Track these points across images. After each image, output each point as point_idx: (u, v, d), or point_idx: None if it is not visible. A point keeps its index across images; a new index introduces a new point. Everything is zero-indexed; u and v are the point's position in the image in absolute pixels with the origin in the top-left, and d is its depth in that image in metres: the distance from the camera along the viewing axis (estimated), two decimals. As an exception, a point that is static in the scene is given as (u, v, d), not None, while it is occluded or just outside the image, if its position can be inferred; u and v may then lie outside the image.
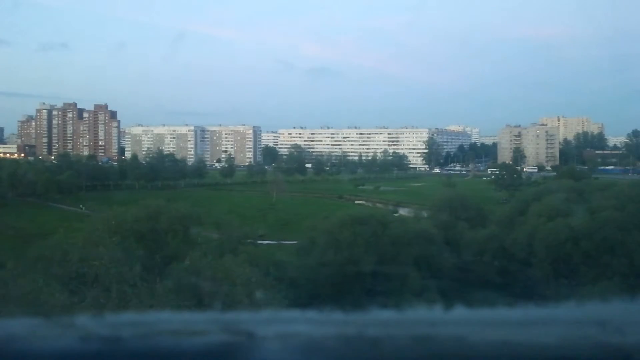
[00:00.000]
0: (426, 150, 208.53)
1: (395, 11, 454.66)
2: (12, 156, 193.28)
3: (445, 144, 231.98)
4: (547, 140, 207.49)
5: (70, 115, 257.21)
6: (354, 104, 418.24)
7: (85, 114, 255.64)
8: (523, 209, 44.41)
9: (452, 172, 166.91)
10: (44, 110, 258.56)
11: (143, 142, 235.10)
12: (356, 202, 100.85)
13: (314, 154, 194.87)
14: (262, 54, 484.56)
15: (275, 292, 24.10)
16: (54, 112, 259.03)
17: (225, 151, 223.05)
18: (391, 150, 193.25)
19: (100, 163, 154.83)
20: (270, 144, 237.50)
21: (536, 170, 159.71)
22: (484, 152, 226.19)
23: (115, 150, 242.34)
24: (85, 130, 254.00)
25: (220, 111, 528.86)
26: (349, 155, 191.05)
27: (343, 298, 27.76)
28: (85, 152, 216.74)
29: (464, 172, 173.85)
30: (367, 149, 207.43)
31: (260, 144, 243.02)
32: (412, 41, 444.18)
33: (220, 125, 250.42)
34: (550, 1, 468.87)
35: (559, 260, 35.71)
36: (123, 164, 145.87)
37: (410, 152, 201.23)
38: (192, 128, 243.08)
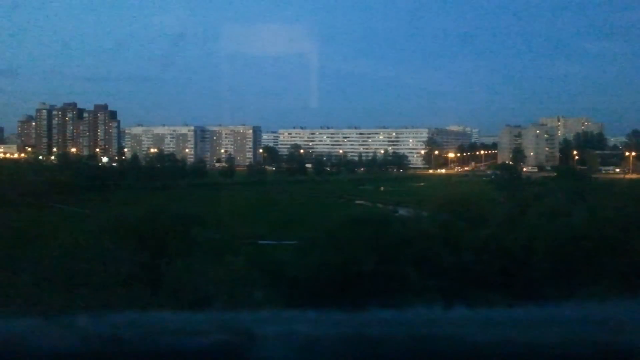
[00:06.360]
0: (426, 150, 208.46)
1: (395, 11, 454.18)
2: (12, 156, 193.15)
3: (445, 144, 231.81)
4: (547, 140, 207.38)
5: (70, 115, 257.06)
6: (354, 104, 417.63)
7: (85, 114, 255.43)
8: (523, 209, 44.42)
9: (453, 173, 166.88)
10: (44, 110, 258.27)
11: (143, 142, 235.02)
12: (356, 202, 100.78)
13: (314, 154, 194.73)
14: (263, 54, 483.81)
15: (275, 292, 24.09)
16: (54, 112, 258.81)
17: (226, 151, 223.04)
18: (391, 150, 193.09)
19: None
20: (271, 144, 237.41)
21: (536, 170, 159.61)
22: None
23: (115, 150, 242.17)
24: (85, 130, 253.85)
25: (220, 111, 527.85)
26: (349, 155, 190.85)
27: (343, 298, 27.69)
28: (85, 152, 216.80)
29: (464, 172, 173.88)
30: (367, 149, 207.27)
31: (260, 144, 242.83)
32: (412, 41, 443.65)
33: (220, 125, 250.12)
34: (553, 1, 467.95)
35: (559, 260, 35.62)
36: (123, 164, 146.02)
37: (410, 152, 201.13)
38: (192, 128, 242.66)
